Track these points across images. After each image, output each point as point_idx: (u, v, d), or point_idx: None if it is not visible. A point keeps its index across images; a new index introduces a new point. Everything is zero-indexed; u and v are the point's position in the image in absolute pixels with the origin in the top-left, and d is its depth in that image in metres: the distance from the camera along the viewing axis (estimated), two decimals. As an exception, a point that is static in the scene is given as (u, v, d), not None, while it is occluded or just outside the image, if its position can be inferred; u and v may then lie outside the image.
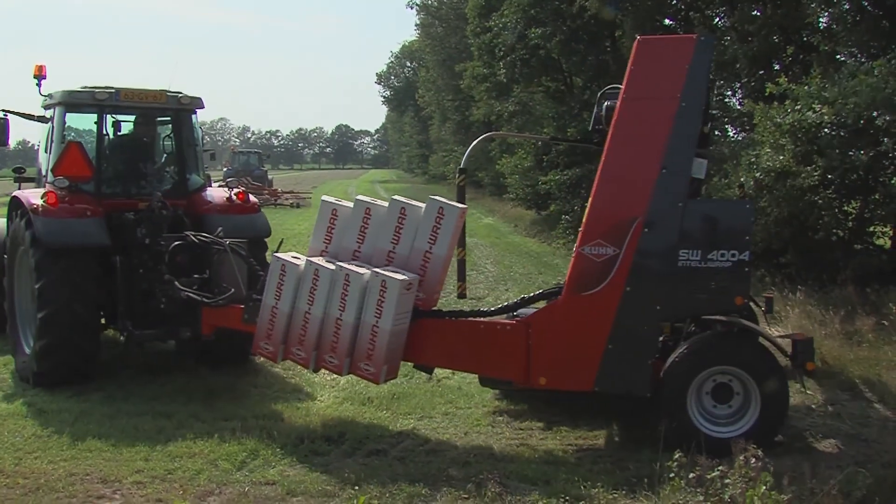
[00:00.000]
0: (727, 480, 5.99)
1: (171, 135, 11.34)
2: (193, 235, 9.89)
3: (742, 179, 13.01)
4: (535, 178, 27.85)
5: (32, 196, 10.06)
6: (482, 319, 8.45)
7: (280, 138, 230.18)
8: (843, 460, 7.47)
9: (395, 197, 8.55)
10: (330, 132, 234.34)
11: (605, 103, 8.44)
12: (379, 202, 8.60)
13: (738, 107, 19.95)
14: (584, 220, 7.95)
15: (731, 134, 20.07)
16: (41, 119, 11.66)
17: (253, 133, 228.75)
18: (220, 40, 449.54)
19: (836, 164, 12.55)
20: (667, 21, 22.41)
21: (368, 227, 8.41)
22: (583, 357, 7.75)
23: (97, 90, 10.61)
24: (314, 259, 8.34)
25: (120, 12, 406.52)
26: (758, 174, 13.50)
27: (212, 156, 15.46)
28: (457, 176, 8.50)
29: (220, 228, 9.92)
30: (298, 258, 8.46)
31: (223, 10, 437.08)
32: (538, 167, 28.61)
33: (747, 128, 17.97)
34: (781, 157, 13.11)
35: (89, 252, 9.77)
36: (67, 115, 10.96)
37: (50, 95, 11.16)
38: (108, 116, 11.03)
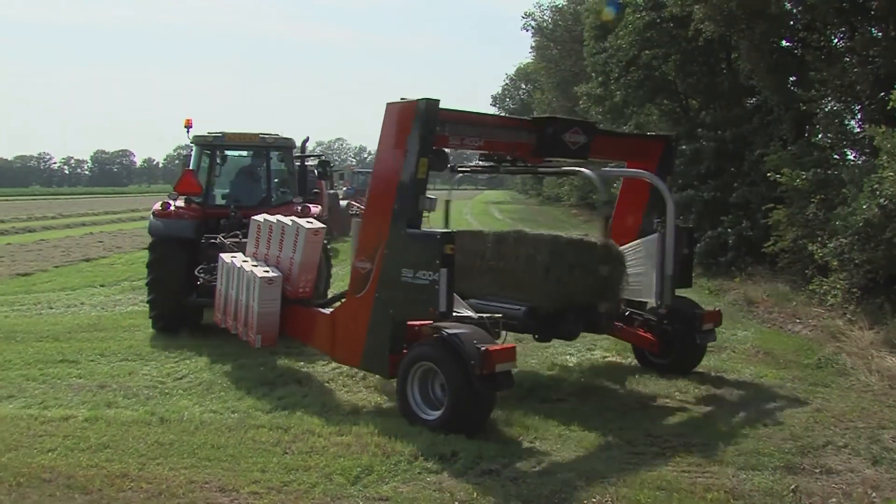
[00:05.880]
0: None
1: (265, 164, 15.84)
2: (223, 237, 13.76)
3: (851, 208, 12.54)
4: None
5: (156, 203, 14.59)
6: (313, 309, 11.18)
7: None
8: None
9: (279, 217, 11.73)
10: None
11: None
12: (277, 220, 11.63)
13: (858, 129, 19.23)
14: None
15: (850, 158, 19.33)
16: None
17: (370, 153, 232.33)
18: (324, 58, 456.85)
19: None
20: (784, 42, 21.74)
21: (271, 239, 11.67)
22: (355, 342, 9.98)
23: (210, 134, 15.31)
24: (233, 258, 11.99)
25: (241, 37, 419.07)
26: (882, 200, 13.03)
27: (341, 175, 21.39)
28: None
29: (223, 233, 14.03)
30: (234, 257, 12.03)
31: (327, 29, 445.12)
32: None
33: (867, 151, 17.35)
34: None
35: (179, 242, 14.02)
36: (202, 151, 15.54)
37: (192, 137, 15.42)
38: (218, 152, 15.63)
